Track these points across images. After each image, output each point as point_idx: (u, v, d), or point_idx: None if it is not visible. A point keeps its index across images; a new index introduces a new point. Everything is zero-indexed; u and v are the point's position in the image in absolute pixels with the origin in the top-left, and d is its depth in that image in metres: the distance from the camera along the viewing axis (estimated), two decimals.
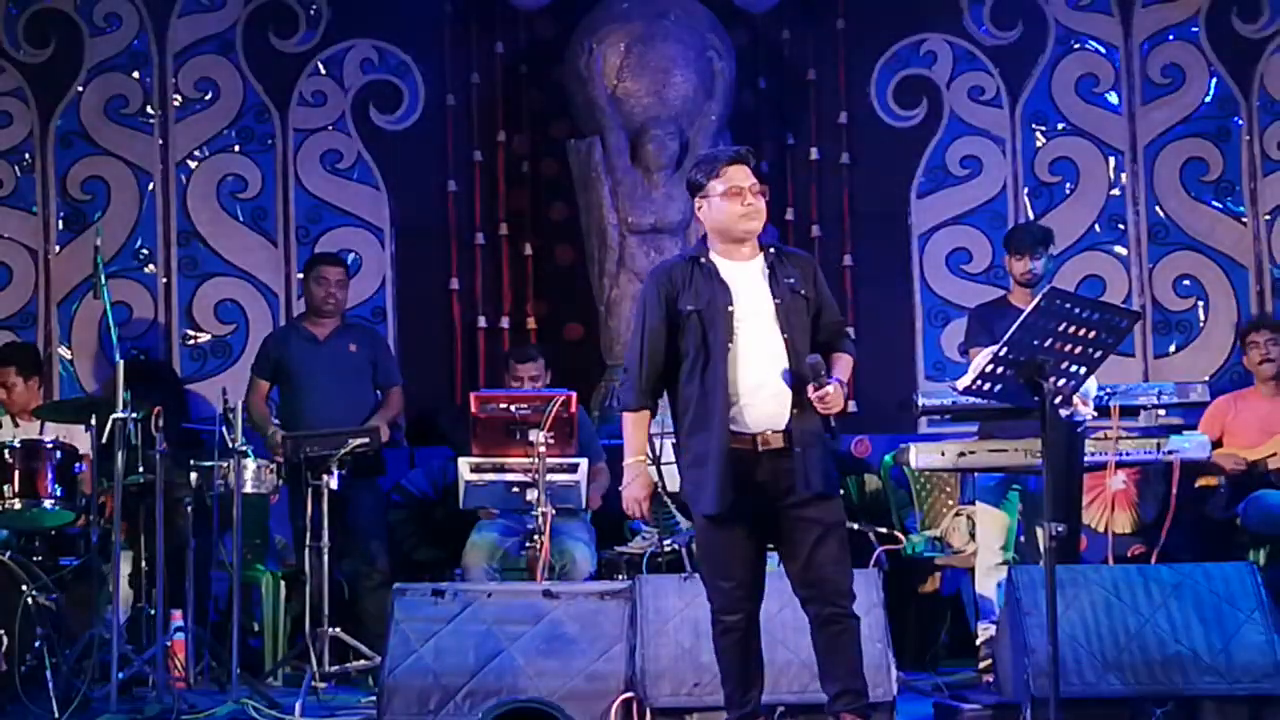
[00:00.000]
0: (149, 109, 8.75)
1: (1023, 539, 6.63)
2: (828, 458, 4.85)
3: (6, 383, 7.33)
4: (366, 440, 6.86)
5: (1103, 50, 9.02)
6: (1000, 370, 4.75)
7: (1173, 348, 8.87)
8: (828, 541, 4.81)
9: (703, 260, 4.90)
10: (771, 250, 4.94)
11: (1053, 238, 6.82)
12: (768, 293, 4.85)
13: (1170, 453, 6.27)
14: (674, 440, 5.02)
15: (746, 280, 4.87)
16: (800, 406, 4.78)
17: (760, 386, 4.79)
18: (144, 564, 6.81)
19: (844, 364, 4.93)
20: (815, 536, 4.80)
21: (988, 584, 6.44)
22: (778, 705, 5.36)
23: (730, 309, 4.81)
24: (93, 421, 6.34)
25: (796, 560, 4.84)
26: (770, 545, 4.99)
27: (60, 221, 8.67)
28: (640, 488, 4.97)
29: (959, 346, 6.88)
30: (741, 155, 4.92)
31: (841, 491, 4.99)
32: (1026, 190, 8.96)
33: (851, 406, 8.60)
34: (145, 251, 8.70)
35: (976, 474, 6.61)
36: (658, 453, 7.08)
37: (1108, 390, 6.09)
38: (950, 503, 7.49)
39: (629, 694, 5.57)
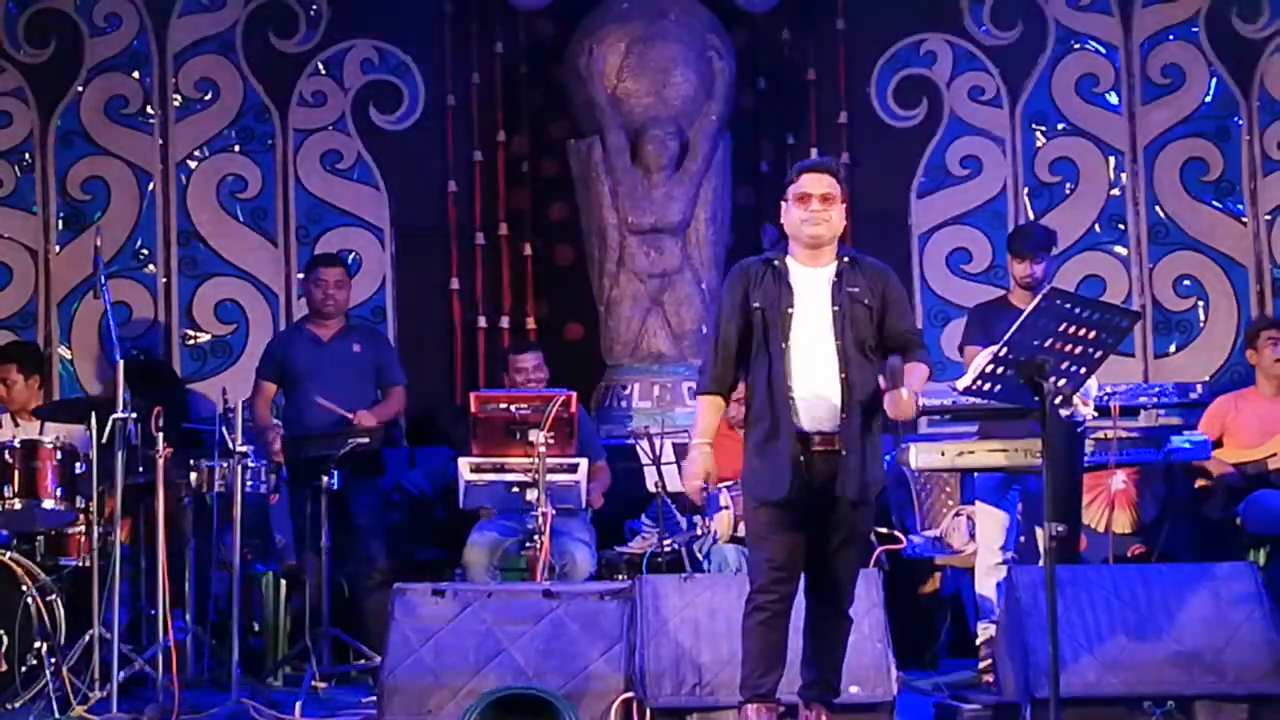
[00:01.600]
0: (149, 109, 8.75)
1: (1022, 539, 6.63)
2: (872, 465, 5.02)
3: (7, 380, 7.33)
4: (366, 440, 6.86)
5: (1103, 50, 9.02)
6: (1000, 370, 4.76)
7: (1173, 348, 8.86)
8: (849, 548, 5.06)
9: (776, 263, 5.10)
10: (846, 259, 5.10)
11: (1055, 240, 6.83)
12: (829, 299, 5.01)
13: (1170, 453, 6.27)
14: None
15: (812, 285, 5.04)
16: (849, 411, 4.94)
17: (811, 388, 4.97)
18: (144, 564, 6.81)
19: (917, 373, 5.03)
20: (840, 540, 5.01)
21: (987, 584, 6.44)
22: (791, 704, 5.34)
23: (790, 311, 5.00)
24: (93, 421, 6.34)
25: (819, 557, 5.03)
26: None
27: (60, 221, 8.67)
28: (699, 469, 5.08)
29: (959, 346, 6.87)
30: (822, 164, 5.16)
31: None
32: (1026, 190, 8.96)
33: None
34: (145, 251, 8.70)
35: (976, 474, 6.61)
36: (658, 453, 7.11)
37: (1108, 390, 6.09)
38: (950, 503, 7.48)
39: (629, 694, 5.57)
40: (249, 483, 6.58)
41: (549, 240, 9.03)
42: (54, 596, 6.27)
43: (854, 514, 5.02)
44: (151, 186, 8.72)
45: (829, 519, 5.00)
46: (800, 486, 4.94)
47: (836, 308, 5.00)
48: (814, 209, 5.02)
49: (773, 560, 4.99)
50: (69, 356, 8.57)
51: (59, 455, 6.64)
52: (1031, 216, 8.86)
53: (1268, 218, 8.88)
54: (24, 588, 6.11)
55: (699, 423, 5.15)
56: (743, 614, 5.04)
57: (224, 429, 6.50)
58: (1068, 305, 4.72)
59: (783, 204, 5.13)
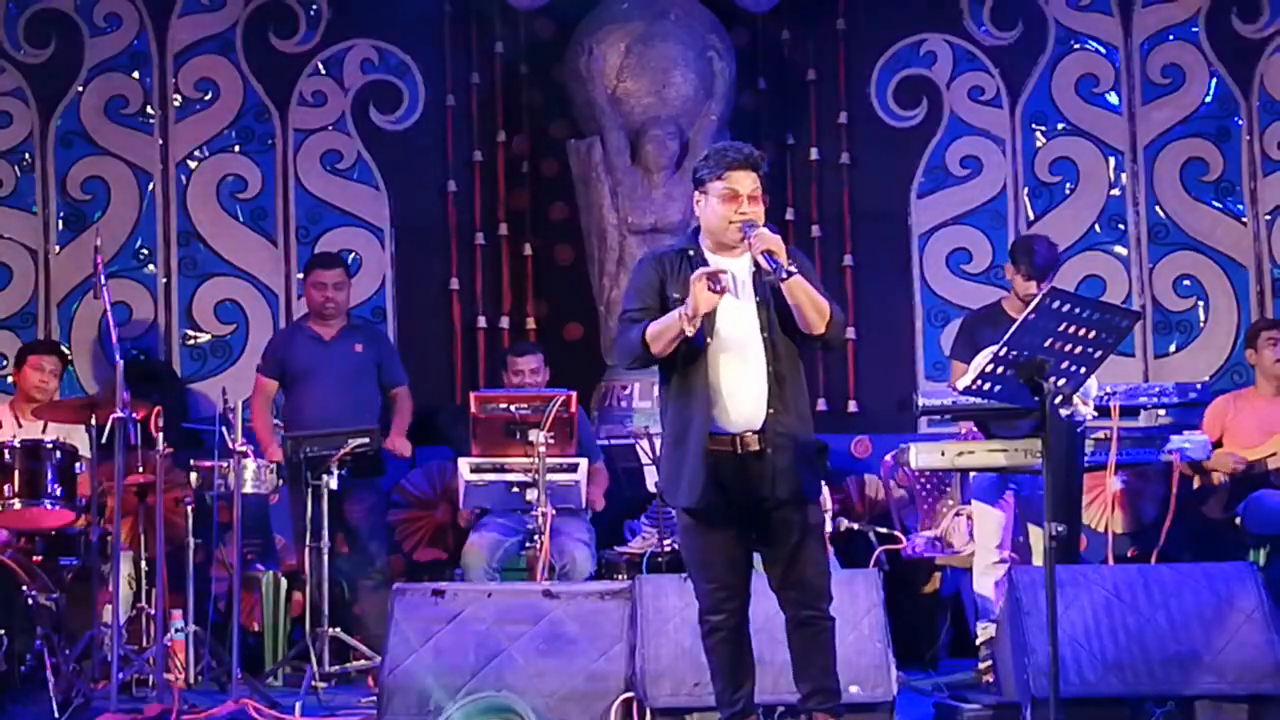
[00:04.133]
0: (149, 109, 8.76)
1: (1020, 539, 6.64)
2: (804, 462, 4.80)
3: (48, 370, 7.31)
4: (366, 440, 6.86)
5: (1103, 50, 9.03)
6: (1000, 370, 4.75)
7: (1173, 348, 8.87)
8: (807, 544, 4.82)
9: (691, 253, 4.87)
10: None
11: (1059, 259, 6.82)
12: (751, 291, 4.81)
13: (1170, 453, 6.27)
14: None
15: (732, 274, 4.78)
16: (775, 408, 4.75)
17: (738, 384, 4.76)
18: (144, 564, 6.82)
19: (814, 290, 4.75)
20: (794, 540, 4.81)
21: (985, 583, 6.45)
22: (777, 705, 5.35)
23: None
24: (93, 421, 6.33)
25: (776, 563, 4.87)
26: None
27: (60, 221, 8.68)
28: (699, 293, 4.62)
29: (948, 354, 6.87)
30: (749, 160, 4.83)
31: (823, 493, 4.96)
32: (1026, 190, 8.96)
33: (852, 406, 8.70)
34: (145, 251, 8.71)
35: (973, 474, 6.61)
36: (658, 453, 7.10)
37: (1108, 390, 6.09)
38: (950, 503, 7.48)
39: (629, 694, 5.57)
40: (249, 483, 6.59)
41: (549, 240, 9.03)
42: (54, 596, 6.27)
43: (797, 512, 4.80)
44: (151, 186, 8.72)
45: (772, 523, 4.80)
46: (733, 491, 4.74)
47: (759, 298, 4.79)
48: (742, 210, 4.77)
49: (715, 581, 4.82)
50: (69, 356, 8.56)
51: (59, 455, 6.64)
52: (1032, 217, 8.86)
53: (1268, 218, 8.88)
54: (24, 588, 6.11)
55: (661, 320, 4.69)
56: (700, 634, 4.91)
57: (224, 429, 6.50)
58: (1068, 305, 4.72)
59: (698, 194, 4.86)
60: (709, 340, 4.73)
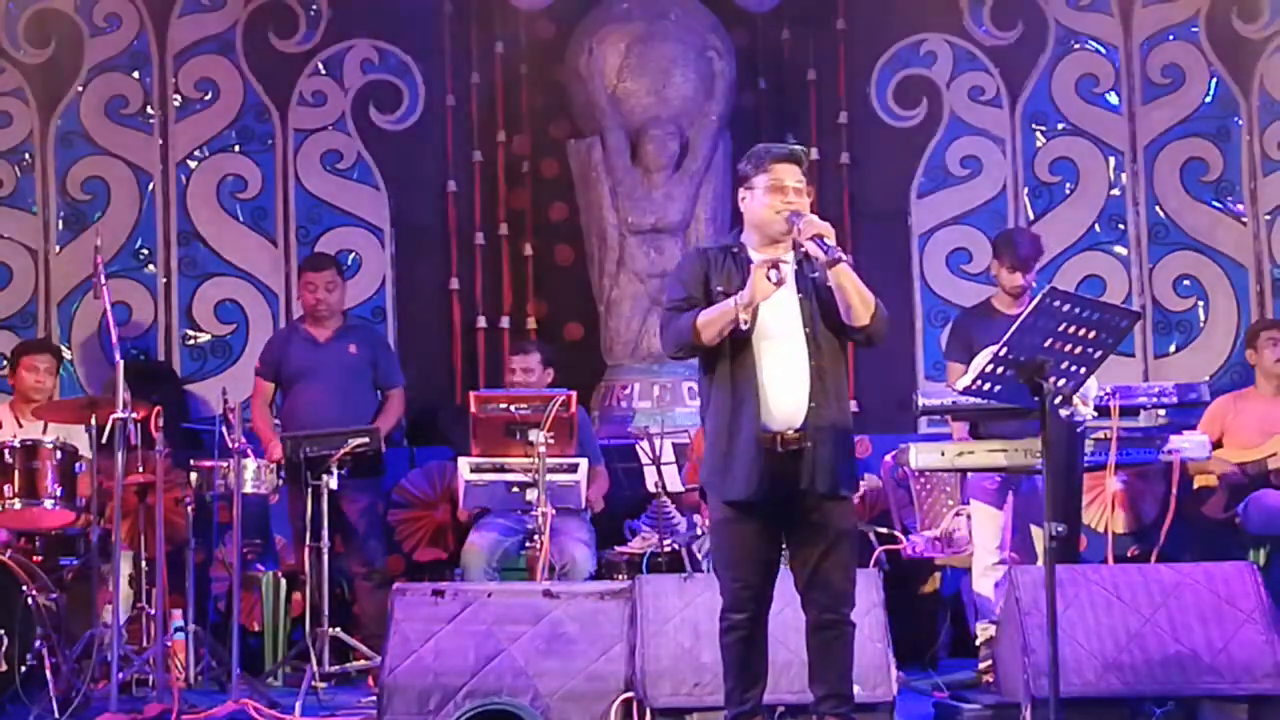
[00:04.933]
0: (149, 109, 8.76)
1: (1017, 538, 6.63)
2: (844, 457, 4.86)
3: (41, 369, 7.31)
4: (366, 440, 6.86)
5: (1103, 50, 9.03)
6: (1000, 370, 4.75)
7: (1173, 348, 8.87)
8: (838, 548, 4.87)
9: (735, 250, 4.94)
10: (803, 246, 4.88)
11: (1043, 248, 6.84)
12: (793, 287, 4.84)
13: (1170, 453, 6.27)
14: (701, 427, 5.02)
15: None
16: (817, 401, 4.79)
17: (780, 379, 4.80)
18: (144, 564, 6.82)
19: (861, 283, 4.82)
20: (826, 542, 4.85)
21: (985, 584, 6.44)
22: (777, 705, 5.35)
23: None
24: (93, 421, 6.34)
25: (804, 562, 4.89)
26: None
27: (60, 221, 8.67)
28: (757, 283, 4.69)
29: (944, 354, 6.88)
30: (792, 154, 4.93)
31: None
32: (1026, 190, 8.96)
33: (852, 406, 8.68)
34: (145, 251, 8.71)
35: (971, 474, 6.61)
36: (658, 453, 7.11)
37: (1108, 390, 6.09)
38: (950, 503, 7.48)
39: (629, 694, 5.57)
40: (249, 483, 6.59)
41: (549, 240, 9.03)
42: (54, 596, 6.27)
43: (833, 510, 4.85)
44: (151, 186, 8.72)
45: (807, 520, 4.84)
46: (765, 485, 4.77)
47: (802, 294, 4.84)
48: (789, 200, 4.84)
49: (740, 580, 4.86)
50: (69, 356, 8.56)
51: (59, 455, 6.65)
52: (1032, 216, 8.86)
53: (1268, 218, 8.88)
54: (24, 588, 6.10)
55: (714, 309, 4.76)
56: (718, 630, 4.94)
57: (224, 429, 6.50)
58: (1067, 305, 4.72)
59: (743, 191, 4.96)
60: (751, 335, 4.77)
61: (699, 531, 7.01)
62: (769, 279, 4.69)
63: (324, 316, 7.47)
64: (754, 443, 4.77)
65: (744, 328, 4.73)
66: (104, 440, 6.20)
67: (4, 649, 6.01)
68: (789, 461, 4.78)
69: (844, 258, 4.74)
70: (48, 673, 5.98)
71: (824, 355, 4.83)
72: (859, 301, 4.81)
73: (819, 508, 4.83)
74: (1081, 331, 4.72)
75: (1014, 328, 4.73)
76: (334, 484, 6.75)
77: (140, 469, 6.75)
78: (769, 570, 4.89)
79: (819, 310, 4.85)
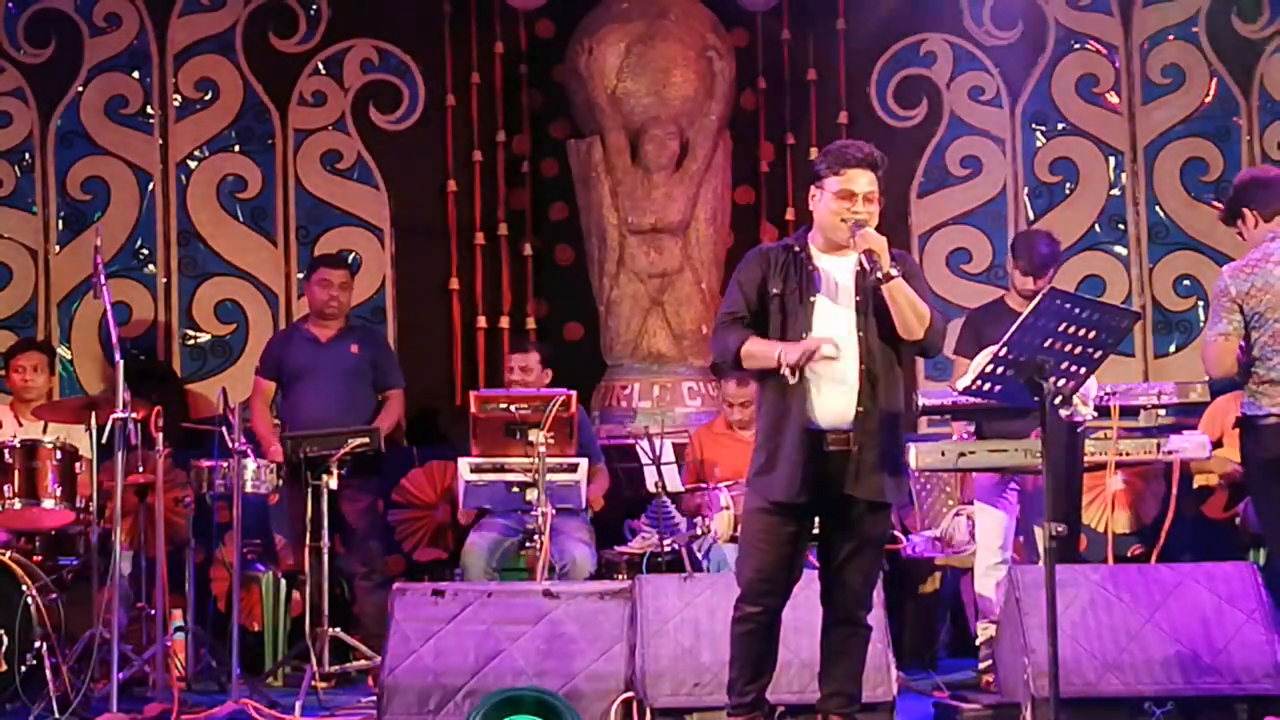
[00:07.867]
0: (149, 109, 8.76)
1: (1020, 538, 6.63)
2: (891, 465, 4.85)
3: (32, 368, 7.31)
4: (366, 440, 6.86)
5: (1103, 50, 9.02)
6: (1000, 370, 4.75)
7: (1173, 348, 8.87)
8: (864, 552, 4.90)
9: (797, 249, 4.92)
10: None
11: (1060, 256, 6.81)
12: (852, 289, 4.85)
13: (1170, 453, 6.26)
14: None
15: (834, 275, 4.87)
16: (865, 407, 4.78)
17: (830, 382, 4.79)
18: (144, 564, 6.82)
19: (918, 295, 4.82)
20: (854, 547, 4.88)
21: (986, 584, 6.44)
22: (777, 705, 5.35)
23: (812, 300, 4.83)
24: (93, 421, 6.34)
25: (830, 562, 4.93)
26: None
27: (60, 221, 8.67)
28: (804, 344, 4.74)
29: (952, 351, 6.87)
30: (867, 159, 4.86)
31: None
32: (1026, 190, 8.96)
33: None
34: (145, 251, 8.71)
35: (975, 474, 6.61)
36: (658, 453, 7.11)
37: (1108, 390, 6.08)
38: (950, 503, 7.49)
39: (629, 694, 5.57)
40: (249, 483, 6.59)
41: (549, 240, 9.03)
42: (54, 596, 6.27)
43: (870, 518, 4.86)
44: (151, 186, 8.72)
45: (842, 522, 4.86)
46: (809, 488, 4.78)
47: (859, 297, 4.83)
48: (856, 209, 4.81)
49: (761, 572, 4.87)
50: (69, 356, 8.56)
51: (59, 455, 6.65)
52: (1032, 216, 8.86)
53: None
54: (24, 588, 6.10)
55: (762, 346, 4.81)
56: (731, 618, 4.95)
57: (224, 429, 6.50)
58: (1068, 305, 4.72)
59: (814, 189, 4.91)
60: (804, 336, 4.77)
61: (699, 531, 7.02)
62: (802, 358, 4.69)
63: (333, 315, 7.48)
64: (799, 441, 4.78)
65: (790, 382, 4.73)
66: (104, 440, 6.20)
67: (4, 649, 6.01)
68: (833, 463, 4.78)
69: (894, 274, 4.73)
70: (48, 673, 5.98)
71: (876, 361, 4.82)
72: (911, 316, 4.81)
73: (857, 512, 4.84)
74: (1081, 332, 4.72)
75: (1014, 328, 4.73)
76: (334, 484, 6.75)
77: (140, 469, 6.75)
78: (791, 570, 4.90)
79: (874, 318, 4.83)
